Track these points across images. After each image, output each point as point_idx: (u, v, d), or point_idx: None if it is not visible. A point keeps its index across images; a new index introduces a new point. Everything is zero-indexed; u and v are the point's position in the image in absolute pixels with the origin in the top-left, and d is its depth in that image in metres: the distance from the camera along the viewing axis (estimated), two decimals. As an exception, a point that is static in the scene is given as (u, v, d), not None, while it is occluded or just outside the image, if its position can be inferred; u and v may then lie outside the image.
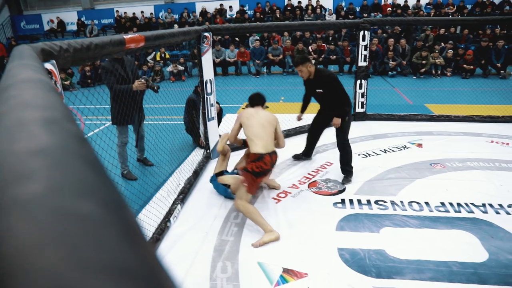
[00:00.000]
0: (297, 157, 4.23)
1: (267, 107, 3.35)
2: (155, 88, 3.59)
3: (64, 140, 0.32)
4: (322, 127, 4.05)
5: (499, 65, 9.33)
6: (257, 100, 3.26)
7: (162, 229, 2.78)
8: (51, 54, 1.51)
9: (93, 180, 0.27)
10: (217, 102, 4.38)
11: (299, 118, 4.19)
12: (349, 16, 13.36)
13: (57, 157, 0.28)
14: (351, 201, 3.23)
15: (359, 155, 4.22)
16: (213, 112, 4.19)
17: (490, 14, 12.21)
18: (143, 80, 3.54)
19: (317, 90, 3.69)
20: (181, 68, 10.49)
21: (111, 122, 3.76)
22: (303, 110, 4.17)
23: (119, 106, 3.47)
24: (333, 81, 3.55)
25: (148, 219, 2.77)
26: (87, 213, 0.23)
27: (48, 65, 1.45)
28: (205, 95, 4.07)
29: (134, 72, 3.73)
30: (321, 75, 3.63)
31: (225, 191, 3.32)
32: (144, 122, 4.10)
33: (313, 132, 4.12)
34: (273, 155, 3.00)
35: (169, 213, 3.00)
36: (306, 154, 4.21)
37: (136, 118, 3.84)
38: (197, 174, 3.77)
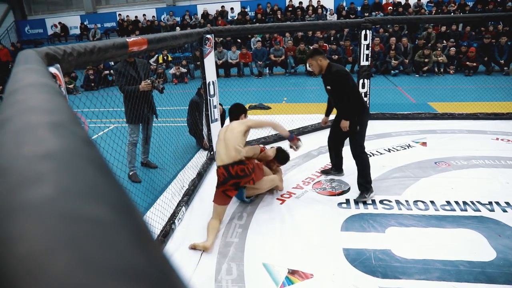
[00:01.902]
0: (326, 172, 3.78)
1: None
2: (160, 88, 3.67)
3: (71, 143, 0.32)
4: (342, 131, 3.34)
5: (502, 61, 9.29)
6: (234, 113, 3.18)
7: (167, 231, 2.79)
8: (55, 58, 1.52)
9: (102, 183, 0.27)
10: (220, 104, 4.39)
11: (324, 122, 3.75)
12: (350, 15, 13.36)
13: (65, 161, 0.28)
14: (356, 201, 3.21)
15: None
16: (216, 113, 4.19)
17: (492, 10, 12.16)
18: (148, 81, 3.64)
19: (327, 87, 3.35)
20: (183, 70, 10.53)
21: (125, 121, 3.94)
22: (327, 112, 3.69)
23: (130, 105, 3.65)
24: (341, 77, 3.15)
25: (153, 221, 2.78)
26: (97, 216, 0.23)
27: (52, 69, 1.46)
28: (208, 97, 4.07)
29: (147, 73, 3.85)
30: (331, 70, 3.22)
31: (241, 195, 3.23)
32: (152, 123, 4.13)
33: (332, 139, 3.58)
34: (230, 167, 2.77)
35: (174, 215, 3.00)
36: (336, 169, 3.73)
37: (146, 116, 3.91)
38: (201, 176, 3.78)
